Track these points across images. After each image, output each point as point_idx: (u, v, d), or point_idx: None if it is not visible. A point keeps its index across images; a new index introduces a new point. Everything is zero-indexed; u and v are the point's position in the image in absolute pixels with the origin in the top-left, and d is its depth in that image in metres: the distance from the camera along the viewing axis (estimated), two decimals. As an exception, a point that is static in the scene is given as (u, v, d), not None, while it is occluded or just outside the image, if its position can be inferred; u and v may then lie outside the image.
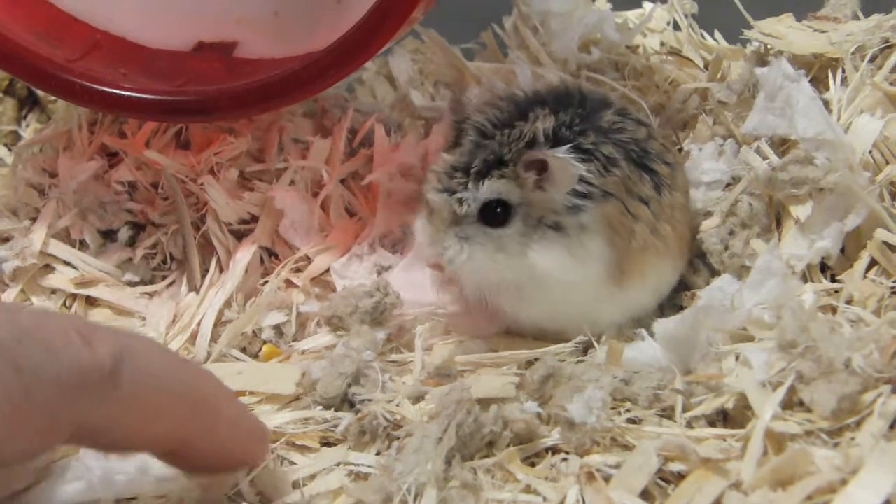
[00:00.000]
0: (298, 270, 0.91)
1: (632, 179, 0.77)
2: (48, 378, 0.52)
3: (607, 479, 0.63)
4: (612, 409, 0.68)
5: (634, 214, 0.77)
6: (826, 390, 0.62)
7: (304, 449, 0.72)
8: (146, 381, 0.56)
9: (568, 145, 0.74)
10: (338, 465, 0.69)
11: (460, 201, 0.74)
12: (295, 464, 0.70)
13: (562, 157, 0.73)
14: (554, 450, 0.67)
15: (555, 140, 0.74)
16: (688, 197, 0.84)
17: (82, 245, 0.95)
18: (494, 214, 0.75)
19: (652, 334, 0.76)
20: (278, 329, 0.87)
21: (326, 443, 0.73)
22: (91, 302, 0.91)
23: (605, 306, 0.79)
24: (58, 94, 0.94)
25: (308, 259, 0.91)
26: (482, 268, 0.76)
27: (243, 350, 0.85)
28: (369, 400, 0.74)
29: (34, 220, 0.95)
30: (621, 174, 0.76)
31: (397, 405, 0.72)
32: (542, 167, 0.73)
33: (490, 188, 0.74)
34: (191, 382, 0.61)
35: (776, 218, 0.82)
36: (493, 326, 0.82)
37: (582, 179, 0.74)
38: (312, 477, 0.68)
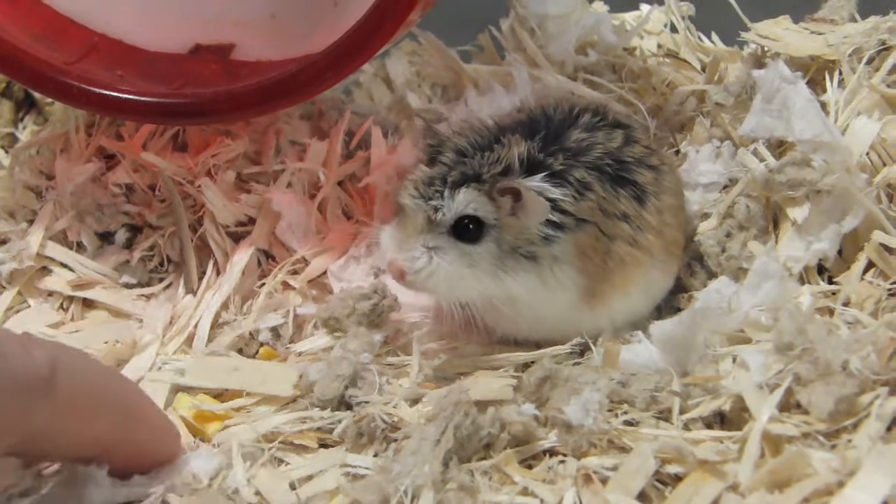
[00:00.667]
0: (295, 272, 0.91)
1: (607, 200, 0.76)
2: (3, 384, 0.54)
3: (604, 481, 0.63)
4: (609, 411, 0.68)
5: (610, 235, 0.77)
6: (823, 392, 0.62)
7: (301, 449, 0.72)
8: (79, 385, 0.60)
9: (542, 174, 0.74)
10: (335, 466, 0.69)
11: (435, 209, 0.74)
12: (291, 465, 0.70)
13: (535, 189, 0.73)
14: (551, 452, 0.67)
15: (529, 166, 0.74)
16: (680, 197, 0.84)
17: (79, 247, 0.95)
18: (467, 230, 0.74)
19: (649, 336, 0.76)
20: (275, 331, 0.87)
21: (324, 444, 0.73)
22: (88, 304, 0.91)
23: (582, 322, 0.78)
24: (55, 96, 0.94)
25: (305, 261, 0.91)
26: (449, 280, 0.75)
27: (240, 352, 0.85)
28: (366, 402, 0.73)
29: (31, 222, 0.95)
30: (596, 197, 0.76)
31: (395, 407, 0.72)
32: (516, 195, 0.73)
33: (465, 199, 0.73)
34: (116, 387, 0.65)
35: (773, 220, 0.82)
36: (473, 336, 0.81)
37: (556, 208, 0.74)
38: (309, 478, 0.68)
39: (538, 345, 0.78)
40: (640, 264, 0.78)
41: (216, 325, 0.87)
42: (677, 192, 0.83)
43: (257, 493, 0.67)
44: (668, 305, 0.83)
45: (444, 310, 0.77)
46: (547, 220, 0.74)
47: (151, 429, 0.67)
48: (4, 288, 0.90)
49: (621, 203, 0.77)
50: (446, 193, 0.74)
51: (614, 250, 0.77)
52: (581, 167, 0.76)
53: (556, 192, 0.74)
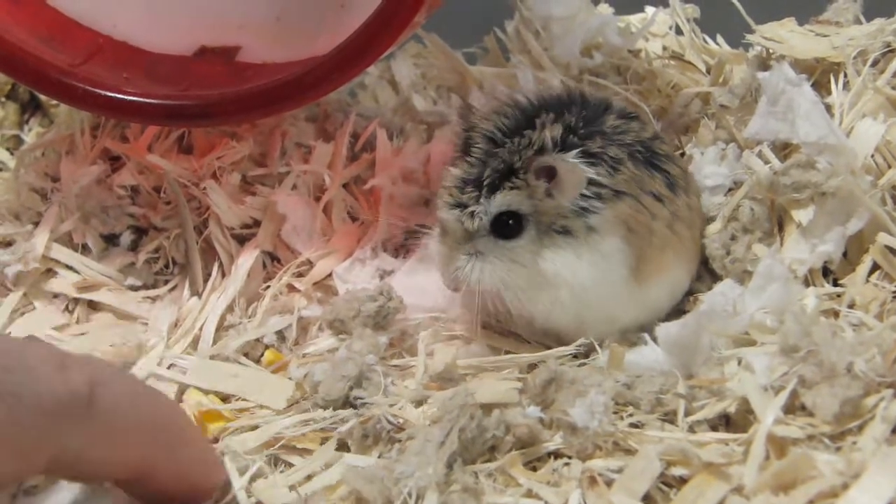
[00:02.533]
0: (300, 275, 0.91)
1: (641, 178, 0.77)
2: (31, 405, 0.53)
3: (609, 483, 0.63)
4: (615, 413, 0.68)
5: (651, 212, 0.77)
6: (828, 394, 0.62)
7: (305, 452, 0.72)
8: (117, 407, 0.58)
9: (576, 150, 0.74)
10: (337, 463, 0.69)
11: (472, 215, 0.75)
12: (294, 465, 0.70)
13: (571, 163, 0.74)
14: (556, 454, 0.67)
15: (563, 146, 0.75)
16: (700, 201, 0.85)
17: (84, 249, 0.95)
18: (507, 227, 0.75)
19: (654, 338, 0.76)
20: (280, 333, 0.87)
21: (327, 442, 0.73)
22: (93, 306, 0.92)
23: (625, 306, 0.79)
24: (60, 98, 0.94)
25: (310, 263, 0.91)
26: (495, 279, 0.76)
27: (245, 355, 0.85)
28: (371, 403, 0.73)
29: (36, 224, 0.95)
30: (629, 172, 0.76)
31: (400, 408, 0.72)
32: (551, 174, 0.74)
33: (502, 200, 0.74)
34: (157, 410, 0.63)
35: (778, 222, 0.82)
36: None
37: (591, 182, 0.75)
38: (310, 477, 0.68)
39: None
40: (678, 252, 0.79)
41: (221, 328, 0.87)
42: (698, 195, 0.84)
43: (258, 502, 0.67)
44: (674, 308, 0.83)
45: (480, 303, 0.78)
46: (581, 194, 0.75)
47: (192, 453, 0.65)
48: (10, 290, 0.90)
49: (656, 183, 0.77)
50: (482, 199, 0.75)
51: (657, 229, 0.77)
52: (614, 145, 0.76)
53: (590, 171, 0.74)
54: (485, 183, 0.75)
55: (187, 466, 0.64)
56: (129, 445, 0.60)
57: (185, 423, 0.66)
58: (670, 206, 0.78)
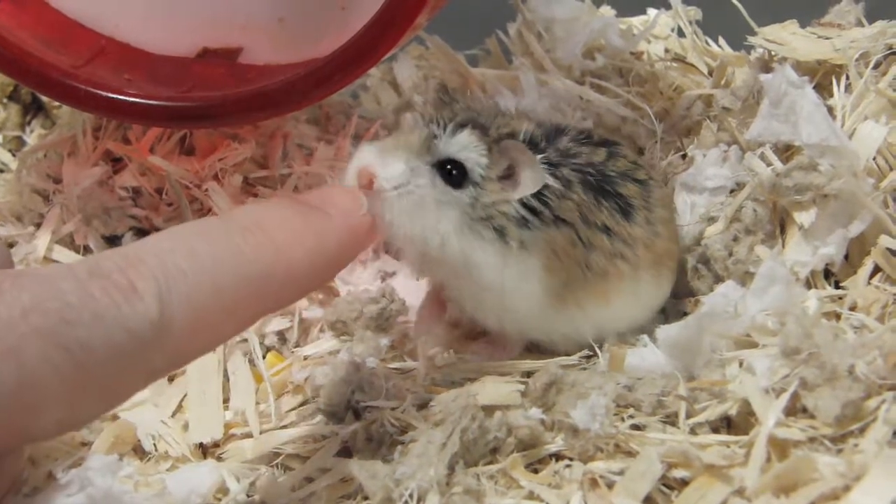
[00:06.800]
0: (302, 276, 0.91)
1: (587, 207, 0.75)
2: (100, 348, 0.51)
3: (610, 485, 0.63)
4: (616, 415, 0.68)
5: (588, 244, 0.75)
6: (830, 397, 0.62)
7: (305, 458, 0.72)
8: (200, 300, 0.55)
9: (541, 155, 0.74)
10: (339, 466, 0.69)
11: (433, 136, 0.72)
12: (294, 469, 0.70)
13: (536, 160, 0.73)
14: (557, 456, 0.67)
15: (531, 147, 0.74)
16: (671, 209, 0.84)
17: (87, 251, 0.95)
18: (449, 174, 0.72)
19: (655, 341, 0.76)
20: (281, 335, 0.86)
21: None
22: (95, 307, 0.91)
23: (554, 323, 0.77)
24: (62, 99, 0.94)
25: (312, 265, 0.91)
26: (415, 210, 0.71)
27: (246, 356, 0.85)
28: (374, 407, 0.73)
29: (38, 225, 0.96)
30: (577, 199, 0.74)
31: (402, 412, 0.72)
32: (513, 164, 0.72)
33: (463, 141, 0.72)
34: (247, 263, 0.57)
35: (780, 224, 0.82)
36: (512, 352, 0.80)
37: (541, 197, 0.73)
38: (310, 479, 0.68)
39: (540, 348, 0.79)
40: (624, 277, 0.77)
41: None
42: (667, 205, 0.83)
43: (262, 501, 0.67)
44: (675, 309, 0.83)
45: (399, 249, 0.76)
46: (527, 204, 0.73)
47: (310, 258, 0.60)
48: (11, 291, 0.90)
49: (603, 214, 0.76)
50: (448, 128, 0.73)
51: (594, 260, 0.75)
52: (567, 166, 0.75)
53: (549, 179, 0.73)
54: (455, 120, 0.73)
55: (310, 273, 0.61)
56: (228, 319, 0.57)
57: (287, 245, 0.60)
58: (618, 233, 0.76)
